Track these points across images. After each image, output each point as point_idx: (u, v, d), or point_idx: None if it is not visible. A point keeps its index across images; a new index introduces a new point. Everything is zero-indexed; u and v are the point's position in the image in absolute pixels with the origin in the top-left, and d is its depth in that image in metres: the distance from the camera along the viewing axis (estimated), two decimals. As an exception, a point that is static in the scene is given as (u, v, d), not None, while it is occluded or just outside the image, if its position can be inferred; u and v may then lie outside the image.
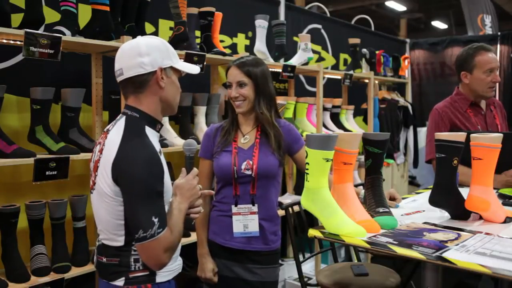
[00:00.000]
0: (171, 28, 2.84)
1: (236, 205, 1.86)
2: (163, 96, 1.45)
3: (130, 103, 1.46)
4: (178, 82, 1.52)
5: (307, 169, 1.49)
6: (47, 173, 1.90)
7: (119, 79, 1.46)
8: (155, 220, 1.32)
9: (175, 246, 1.41)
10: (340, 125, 3.79)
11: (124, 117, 1.45)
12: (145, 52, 1.41)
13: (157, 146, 1.43)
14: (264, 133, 1.91)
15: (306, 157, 1.48)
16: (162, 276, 1.46)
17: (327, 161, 1.45)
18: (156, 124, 1.47)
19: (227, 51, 2.98)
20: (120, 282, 1.42)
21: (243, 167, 1.85)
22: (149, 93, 1.44)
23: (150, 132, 1.43)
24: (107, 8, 2.13)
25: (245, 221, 1.85)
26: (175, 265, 1.52)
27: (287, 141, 1.93)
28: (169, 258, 1.39)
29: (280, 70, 3.07)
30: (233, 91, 1.87)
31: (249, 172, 1.84)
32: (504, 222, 1.60)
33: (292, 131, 1.97)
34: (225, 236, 1.88)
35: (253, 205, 1.86)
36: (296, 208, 2.39)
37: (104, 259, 1.44)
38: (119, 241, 1.41)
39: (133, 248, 1.41)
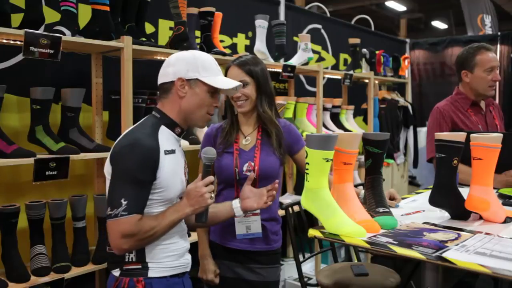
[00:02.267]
0: (171, 28, 2.84)
1: None
2: (183, 105, 1.54)
3: (158, 106, 1.59)
4: (209, 96, 1.55)
5: (307, 169, 1.48)
6: (47, 173, 1.90)
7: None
8: (124, 202, 1.39)
9: (141, 237, 1.41)
10: (340, 125, 3.79)
11: (147, 116, 1.59)
12: (171, 63, 1.55)
13: (166, 144, 1.50)
14: (265, 133, 1.90)
15: (306, 157, 1.47)
16: (156, 271, 1.49)
17: (327, 161, 1.45)
18: (174, 127, 1.56)
19: (227, 51, 2.98)
20: (116, 272, 1.50)
21: (244, 168, 1.85)
22: (171, 100, 1.55)
23: (165, 131, 1.53)
24: (107, 8, 2.13)
25: (248, 223, 1.84)
26: (173, 263, 1.53)
27: (288, 142, 1.92)
28: (129, 245, 1.41)
29: (280, 70, 3.07)
30: None
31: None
32: (504, 222, 1.60)
33: (293, 131, 1.96)
34: (226, 237, 1.88)
35: None
36: (296, 208, 2.39)
37: (107, 248, 1.52)
38: None
39: None
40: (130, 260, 1.48)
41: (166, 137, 1.52)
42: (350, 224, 1.44)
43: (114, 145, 1.50)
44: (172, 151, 1.52)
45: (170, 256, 1.53)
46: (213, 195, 1.52)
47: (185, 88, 1.52)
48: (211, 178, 1.50)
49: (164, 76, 1.55)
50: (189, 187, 1.51)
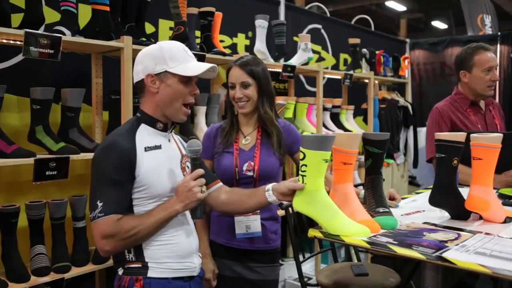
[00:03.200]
0: (171, 28, 2.84)
1: None
2: (158, 101, 1.52)
3: (140, 105, 1.58)
4: (184, 85, 1.50)
5: (304, 171, 1.44)
6: (47, 173, 1.90)
7: None
8: (99, 204, 1.39)
9: (122, 237, 1.40)
10: (340, 125, 3.79)
11: (132, 117, 1.60)
12: (139, 61, 1.53)
13: (147, 141, 1.49)
14: (265, 134, 1.91)
15: (302, 159, 1.42)
16: (156, 271, 1.48)
17: (326, 161, 1.43)
18: (155, 123, 1.53)
19: (227, 51, 2.98)
20: (120, 271, 1.50)
21: (244, 168, 1.85)
22: (147, 97, 1.54)
23: (145, 129, 1.52)
24: (107, 8, 2.13)
25: (247, 222, 1.85)
26: (174, 264, 1.51)
27: (288, 142, 1.93)
28: (110, 247, 1.41)
29: (280, 70, 3.07)
30: (237, 92, 1.86)
31: (250, 173, 1.84)
32: (504, 222, 1.60)
33: (292, 131, 1.97)
34: (226, 236, 1.88)
35: None
36: (296, 208, 2.39)
37: None
38: None
39: None
40: (130, 259, 1.48)
41: (147, 135, 1.51)
42: (353, 224, 1.43)
43: (96, 149, 1.51)
44: (156, 147, 1.50)
45: (171, 257, 1.50)
46: (204, 189, 1.48)
47: (156, 83, 1.49)
48: (199, 171, 1.47)
49: (135, 75, 1.54)
50: (178, 183, 1.48)
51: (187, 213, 1.60)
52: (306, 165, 1.42)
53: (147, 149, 1.48)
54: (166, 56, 1.49)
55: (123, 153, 1.43)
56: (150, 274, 1.47)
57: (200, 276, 1.64)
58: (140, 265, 1.47)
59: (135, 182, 1.45)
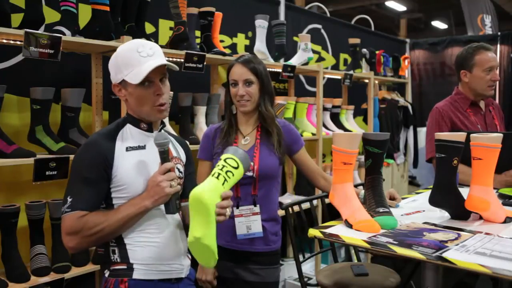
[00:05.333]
0: (171, 28, 2.84)
1: (237, 207, 1.85)
2: (131, 107, 1.53)
3: None
4: (144, 90, 1.45)
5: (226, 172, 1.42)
6: (47, 173, 1.90)
7: None
8: (69, 199, 1.40)
9: (85, 234, 1.38)
10: (340, 125, 3.79)
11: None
12: (110, 70, 1.52)
13: (130, 141, 1.49)
14: (265, 133, 1.90)
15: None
16: (141, 273, 1.46)
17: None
18: (138, 123, 1.53)
19: (227, 51, 2.98)
20: (106, 273, 1.49)
21: None
22: (125, 103, 1.56)
23: (130, 129, 1.52)
24: (107, 8, 2.13)
25: (248, 223, 1.84)
26: (161, 266, 1.49)
27: (287, 142, 1.93)
28: (74, 243, 1.40)
29: (280, 70, 3.07)
30: (240, 90, 1.84)
31: (250, 174, 1.83)
32: (504, 222, 1.60)
33: (292, 131, 1.97)
34: (226, 238, 1.88)
35: (255, 205, 1.85)
36: (296, 208, 2.39)
37: (98, 250, 1.55)
38: None
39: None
40: (115, 260, 1.47)
41: (130, 135, 1.51)
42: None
43: None
44: (139, 147, 1.49)
45: (156, 258, 1.47)
46: (173, 183, 1.42)
47: (122, 91, 1.49)
48: (167, 165, 1.42)
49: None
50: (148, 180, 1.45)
51: (177, 215, 1.56)
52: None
53: (129, 149, 1.47)
54: (120, 64, 1.46)
55: (99, 152, 1.43)
56: (136, 275, 1.45)
57: (189, 278, 1.61)
58: (125, 267, 1.46)
59: (113, 182, 1.44)
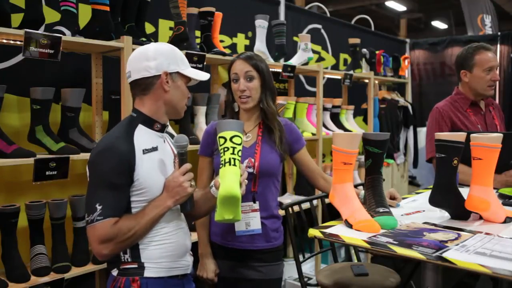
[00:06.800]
0: (171, 28, 2.84)
1: None
2: (167, 99, 1.52)
3: (135, 105, 1.55)
4: (186, 88, 1.57)
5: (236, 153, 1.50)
6: (47, 173, 1.90)
7: (128, 81, 1.54)
8: (98, 207, 1.39)
9: (119, 239, 1.40)
10: (340, 125, 3.79)
11: (126, 117, 1.57)
12: (152, 57, 1.49)
13: (145, 143, 1.48)
14: (266, 130, 1.90)
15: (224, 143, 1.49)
16: (152, 271, 1.48)
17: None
18: (153, 124, 1.53)
19: (227, 51, 2.98)
20: (114, 272, 1.50)
21: (244, 165, 1.84)
22: (153, 95, 1.51)
23: (143, 130, 1.51)
24: (107, 8, 2.13)
25: (247, 219, 1.84)
26: (171, 264, 1.52)
27: (289, 140, 1.93)
28: (108, 250, 1.40)
29: (280, 70, 3.07)
30: (241, 85, 1.83)
31: (250, 170, 1.83)
32: (504, 222, 1.60)
33: (294, 130, 1.97)
34: (226, 237, 1.87)
35: (254, 202, 1.85)
36: (296, 208, 2.39)
37: None
38: None
39: None
40: (126, 260, 1.48)
41: (144, 136, 1.50)
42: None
43: (91, 150, 1.49)
44: (153, 149, 1.50)
45: (167, 256, 1.51)
46: (193, 183, 1.48)
47: (169, 82, 1.51)
48: (187, 165, 1.48)
49: (142, 71, 1.48)
50: (167, 179, 1.48)
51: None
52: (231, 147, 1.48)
53: (145, 151, 1.47)
54: (178, 58, 1.53)
55: (122, 156, 1.42)
56: (147, 274, 1.47)
57: (191, 274, 1.65)
58: (136, 266, 1.47)
59: (133, 186, 1.44)
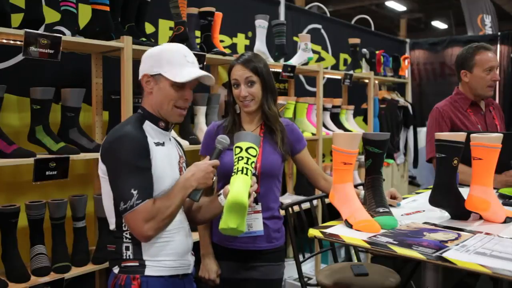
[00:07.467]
0: (171, 28, 2.84)
1: None
2: (153, 101, 1.55)
3: (141, 103, 1.61)
4: (174, 90, 1.51)
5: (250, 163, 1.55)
6: (47, 173, 1.90)
7: None
8: (134, 192, 1.40)
9: (160, 218, 1.44)
10: (340, 125, 3.79)
11: (133, 114, 1.63)
12: (142, 60, 1.57)
13: (154, 137, 1.53)
14: (268, 131, 1.90)
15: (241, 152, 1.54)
16: (153, 269, 1.49)
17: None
18: (158, 121, 1.56)
19: (227, 51, 2.98)
20: (116, 269, 1.51)
21: None
22: (145, 96, 1.58)
23: (150, 126, 1.55)
24: (107, 8, 2.13)
25: (249, 221, 1.83)
26: (172, 263, 1.53)
27: (290, 140, 1.92)
28: (153, 230, 1.43)
29: (280, 70, 3.07)
30: (242, 91, 1.82)
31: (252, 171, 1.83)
32: (504, 222, 1.60)
33: (295, 131, 1.97)
34: (228, 238, 1.86)
35: (257, 204, 1.85)
36: (296, 208, 2.39)
37: (107, 246, 1.55)
38: (112, 224, 1.51)
39: (124, 234, 1.49)
40: (127, 257, 1.49)
41: (151, 131, 1.54)
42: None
43: (102, 144, 1.51)
44: (161, 144, 1.54)
45: (168, 255, 1.52)
46: (215, 178, 1.55)
47: (151, 84, 1.53)
48: (217, 162, 1.55)
49: (139, 73, 1.58)
50: (198, 163, 1.53)
51: (183, 212, 1.64)
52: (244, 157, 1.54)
53: (156, 144, 1.52)
54: (164, 59, 1.52)
55: (139, 141, 1.46)
56: (147, 272, 1.48)
57: (192, 274, 1.66)
58: (137, 264, 1.48)
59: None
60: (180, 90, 1.53)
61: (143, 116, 1.56)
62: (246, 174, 1.51)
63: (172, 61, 1.51)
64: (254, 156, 1.54)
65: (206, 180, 1.50)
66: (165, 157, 1.54)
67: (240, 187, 1.47)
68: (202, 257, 1.91)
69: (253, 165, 1.54)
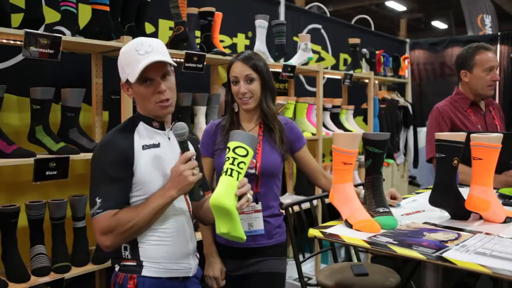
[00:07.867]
0: (171, 28, 2.84)
1: None
2: (138, 104, 1.55)
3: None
4: (145, 87, 1.47)
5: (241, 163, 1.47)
6: (47, 173, 1.90)
7: None
8: (98, 200, 1.41)
9: (119, 231, 1.40)
10: (340, 125, 3.79)
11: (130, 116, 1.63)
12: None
13: (145, 140, 1.51)
14: (267, 130, 1.90)
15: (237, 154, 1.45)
16: (150, 270, 1.49)
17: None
18: (151, 121, 1.55)
19: (227, 51, 2.98)
20: (117, 267, 1.52)
21: None
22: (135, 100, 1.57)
23: (143, 127, 1.54)
24: (107, 8, 2.13)
25: (250, 220, 1.84)
26: (170, 265, 1.52)
27: (290, 139, 1.93)
28: (109, 242, 1.41)
29: (280, 70, 3.07)
30: (241, 88, 1.83)
31: (252, 171, 1.83)
32: (504, 222, 1.60)
33: (295, 129, 1.97)
34: None
35: (257, 203, 1.85)
36: (296, 208, 2.39)
37: None
38: None
39: None
40: (126, 257, 1.50)
41: (144, 133, 1.53)
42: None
43: (95, 148, 1.53)
44: (154, 145, 1.51)
45: (166, 257, 1.51)
46: (195, 171, 1.44)
47: (129, 90, 1.53)
48: (187, 154, 1.44)
49: None
50: (171, 169, 1.47)
51: (188, 214, 1.61)
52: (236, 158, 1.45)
53: (145, 147, 1.50)
54: (123, 63, 1.49)
55: (120, 150, 1.45)
56: (144, 273, 1.48)
57: (197, 277, 1.64)
58: (135, 263, 1.49)
59: (133, 179, 1.47)
60: (150, 86, 1.47)
61: (137, 118, 1.55)
62: (231, 175, 1.43)
63: (128, 62, 1.47)
64: (243, 156, 1.44)
65: (184, 182, 1.42)
66: (155, 159, 1.49)
67: (220, 190, 1.40)
68: (206, 256, 1.92)
69: (242, 165, 1.44)
